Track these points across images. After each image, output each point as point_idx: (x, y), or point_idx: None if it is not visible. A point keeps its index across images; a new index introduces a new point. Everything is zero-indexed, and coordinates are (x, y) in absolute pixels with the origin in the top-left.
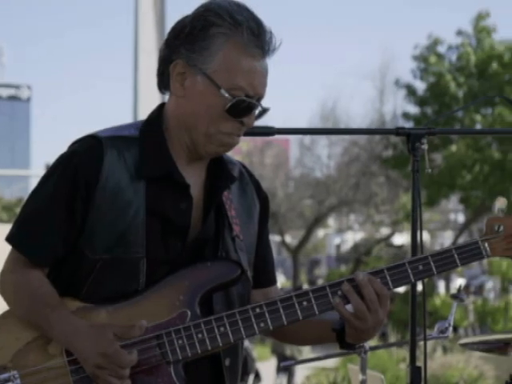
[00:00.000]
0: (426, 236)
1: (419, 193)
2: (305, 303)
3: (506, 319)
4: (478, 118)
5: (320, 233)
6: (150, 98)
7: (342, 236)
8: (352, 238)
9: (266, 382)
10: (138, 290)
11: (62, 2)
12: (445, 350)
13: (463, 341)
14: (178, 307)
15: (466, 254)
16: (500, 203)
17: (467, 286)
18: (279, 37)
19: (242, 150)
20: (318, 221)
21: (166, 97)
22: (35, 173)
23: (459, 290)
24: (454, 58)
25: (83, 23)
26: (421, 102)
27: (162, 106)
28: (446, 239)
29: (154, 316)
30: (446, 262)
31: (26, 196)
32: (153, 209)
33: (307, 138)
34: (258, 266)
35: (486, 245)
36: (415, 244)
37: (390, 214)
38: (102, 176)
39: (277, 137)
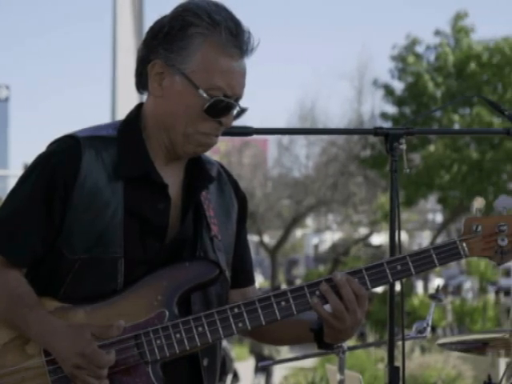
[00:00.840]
0: (404, 236)
1: (397, 193)
2: (283, 303)
3: (484, 319)
4: (456, 118)
5: (298, 233)
6: (128, 98)
7: (320, 236)
8: (330, 237)
9: (244, 382)
10: (116, 290)
11: (41, 2)
12: (423, 350)
13: (441, 341)
14: (156, 307)
15: (444, 253)
16: (478, 203)
17: (445, 286)
18: (257, 37)
19: (220, 150)
20: (296, 221)
21: (145, 97)
22: (13, 173)
23: (437, 290)
24: (432, 57)
25: (61, 23)
26: (399, 101)
27: (140, 106)
28: (424, 239)
29: (132, 316)
30: (424, 261)
31: (4, 196)
32: (131, 209)
33: (285, 138)
34: (236, 265)
35: (464, 245)
36: (393, 244)
37: (368, 214)
38: (80, 176)
39: (255, 137)
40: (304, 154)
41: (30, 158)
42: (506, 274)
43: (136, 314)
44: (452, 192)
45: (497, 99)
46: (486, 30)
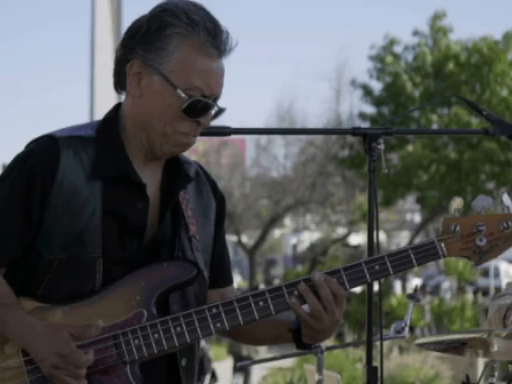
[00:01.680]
0: (382, 236)
1: (375, 193)
2: (261, 303)
3: (462, 319)
4: (435, 118)
5: (276, 233)
6: (107, 99)
7: (298, 236)
8: (308, 237)
9: (223, 382)
10: (94, 290)
11: (19, 2)
12: (401, 350)
13: (419, 341)
14: (134, 307)
15: (423, 253)
16: (456, 203)
17: (423, 286)
18: (235, 37)
19: (199, 150)
20: (275, 221)
21: (123, 97)
22: None
23: (415, 290)
24: (410, 58)
25: (39, 22)
26: (377, 102)
27: (118, 106)
28: (403, 239)
29: (110, 316)
30: (402, 261)
31: None
32: (109, 209)
33: (263, 138)
34: (214, 265)
35: (443, 245)
36: (371, 244)
37: (347, 214)
38: (58, 176)
39: (233, 137)
40: (282, 154)
41: (7, 158)
42: (484, 274)
43: (114, 314)
44: (430, 192)
45: (475, 99)
46: (465, 30)
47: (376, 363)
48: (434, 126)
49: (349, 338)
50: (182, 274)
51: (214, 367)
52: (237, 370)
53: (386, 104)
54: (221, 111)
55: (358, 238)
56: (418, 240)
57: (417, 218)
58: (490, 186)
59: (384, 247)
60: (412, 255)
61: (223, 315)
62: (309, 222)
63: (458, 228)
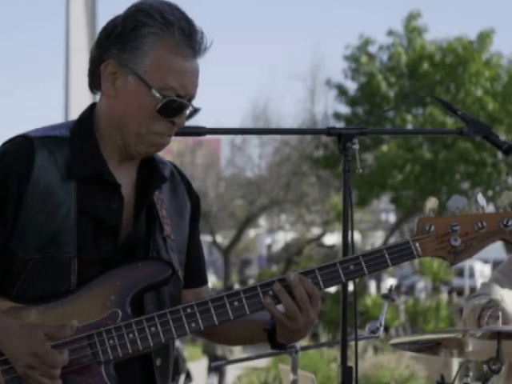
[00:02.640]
0: (357, 236)
1: (350, 193)
2: (236, 303)
3: (437, 319)
4: (409, 118)
5: (251, 233)
6: (81, 98)
7: (273, 236)
8: (283, 237)
9: (197, 382)
10: (69, 290)
11: None
12: (376, 350)
13: (394, 341)
14: (109, 307)
15: (397, 254)
16: (431, 203)
17: (398, 286)
18: (210, 37)
19: (173, 150)
20: (249, 221)
21: (98, 97)
22: None
23: (390, 289)
24: (385, 58)
25: (14, 23)
26: (352, 102)
27: (93, 106)
28: (377, 239)
29: (85, 316)
30: (377, 262)
31: None
32: (84, 209)
33: (238, 138)
34: (189, 265)
35: (417, 245)
36: (346, 244)
37: (321, 214)
38: (32, 176)
39: (208, 137)
40: (257, 154)
41: None
42: (459, 274)
43: (89, 313)
44: (405, 192)
45: (450, 99)
46: (439, 30)
47: (351, 363)
48: (409, 126)
49: (323, 338)
50: (156, 273)
51: (189, 367)
52: (212, 370)
53: (361, 104)
54: (196, 111)
55: (333, 238)
56: (392, 240)
57: (391, 218)
58: (465, 186)
59: (359, 247)
60: (387, 255)
61: (198, 315)
62: (283, 222)
63: (432, 228)
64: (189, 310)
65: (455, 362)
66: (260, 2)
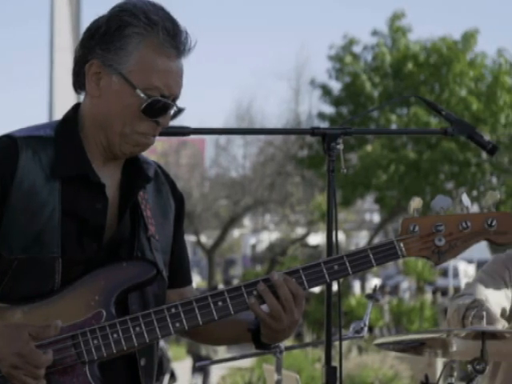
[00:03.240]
0: (341, 236)
1: (335, 193)
2: (220, 303)
3: (421, 319)
4: (394, 118)
5: (235, 233)
6: (66, 98)
7: (257, 236)
8: (267, 237)
9: (182, 382)
10: (53, 290)
11: None
12: (360, 350)
13: (378, 341)
14: (93, 307)
15: (382, 254)
16: (415, 203)
17: (382, 286)
18: (194, 37)
19: (158, 150)
20: (234, 221)
21: (82, 97)
22: None
23: (374, 289)
24: (369, 58)
25: None
26: (336, 102)
27: (77, 106)
28: (362, 239)
29: (69, 316)
30: (361, 262)
31: None
32: (68, 209)
33: (223, 138)
34: (173, 265)
35: (402, 245)
36: (331, 244)
37: (306, 214)
38: (17, 176)
39: (192, 137)
40: (241, 154)
41: None
42: (443, 274)
43: (74, 313)
44: (389, 192)
45: (434, 99)
46: (423, 30)
47: (335, 363)
48: (393, 126)
49: (308, 338)
50: (141, 273)
51: (173, 367)
52: (196, 369)
53: (345, 104)
54: (180, 111)
55: (317, 238)
56: (377, 240)
57: (376, 218)
58: (449, 186)
59: (343, 247)
60: (371, 255)
61: (182, 315)
62: (268, 222)
63: (416, 228)
64: (173, 310)
65: (439, 362)
66: (244, 2)
